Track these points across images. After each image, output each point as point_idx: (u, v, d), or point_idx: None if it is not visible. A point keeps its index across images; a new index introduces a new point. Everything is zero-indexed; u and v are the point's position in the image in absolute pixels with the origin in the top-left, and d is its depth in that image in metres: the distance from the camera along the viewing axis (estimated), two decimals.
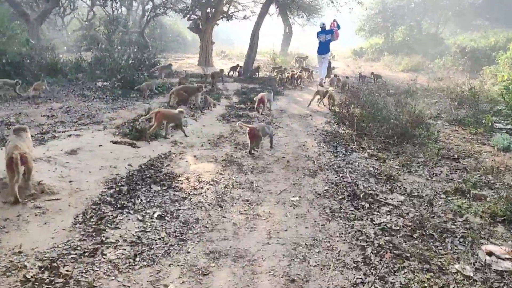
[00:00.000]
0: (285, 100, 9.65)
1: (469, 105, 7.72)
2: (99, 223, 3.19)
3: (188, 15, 19.01)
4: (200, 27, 17.20)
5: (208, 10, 17.22)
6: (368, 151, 5.52)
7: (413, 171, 4.77)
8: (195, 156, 5.12)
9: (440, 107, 8.68)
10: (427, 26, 23.87)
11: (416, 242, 3.11)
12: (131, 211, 3.44)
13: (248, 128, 5.16)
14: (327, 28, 11.75)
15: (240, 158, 5.10)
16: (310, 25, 22.97)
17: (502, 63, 11.66)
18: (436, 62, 16.08)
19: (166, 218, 3.39)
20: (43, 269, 2.56)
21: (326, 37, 11.75)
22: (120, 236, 3.03)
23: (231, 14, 18.60)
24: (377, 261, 2.83)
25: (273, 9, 19.46)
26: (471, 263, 2.84)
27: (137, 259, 2.76)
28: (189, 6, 18.33)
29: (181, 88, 7.91)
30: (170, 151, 5.24)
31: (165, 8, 22.06)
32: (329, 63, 13.14)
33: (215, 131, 6.46)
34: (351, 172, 4.64)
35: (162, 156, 4.99)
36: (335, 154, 5.41)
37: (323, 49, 11.87)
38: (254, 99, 7.92)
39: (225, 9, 18.57)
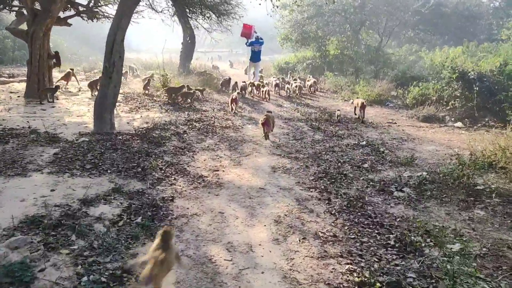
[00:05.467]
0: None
1: None
2: None
3: (16, 9, 11.05)
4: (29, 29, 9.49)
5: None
6: None
7: None
8: None
9: None
10: (365, 37, 19.44)
11: None
12: None
13: None
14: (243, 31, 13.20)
15: None
16: (221, 31, 16.19)
17: None
18: (412, 90, 11.00)
19: None
20: None
21: (260, 47, 13.29)
22: None
23: (94, 10, 11.20)
24: None
25: (164, 4, 12.26)
26: None
27: None
28: None
29: None
30: None
31: None
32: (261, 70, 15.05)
33: None
34: None
35: None
36: None
37: (256, 57, 13.49)
38: (260, 122, 6.95)
39: (83, 1, 11.16)
